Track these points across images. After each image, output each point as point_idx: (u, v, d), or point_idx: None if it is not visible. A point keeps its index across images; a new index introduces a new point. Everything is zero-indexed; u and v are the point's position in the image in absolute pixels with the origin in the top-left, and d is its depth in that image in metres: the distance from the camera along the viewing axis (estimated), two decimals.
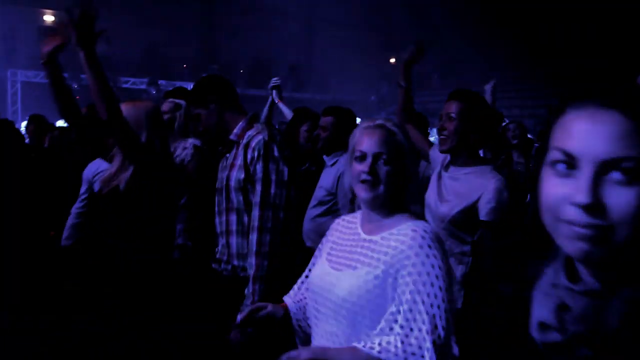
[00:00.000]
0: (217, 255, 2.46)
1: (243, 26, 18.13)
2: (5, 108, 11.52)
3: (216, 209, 2.49)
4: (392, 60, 18.33)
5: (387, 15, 19.20)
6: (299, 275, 1.77)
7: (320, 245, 1.72)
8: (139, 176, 2.39)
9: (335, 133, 3.28)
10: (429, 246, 1.39)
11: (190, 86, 4.15)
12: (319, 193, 3.29)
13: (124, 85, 15.69)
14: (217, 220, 2.48)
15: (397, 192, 1.51)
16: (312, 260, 1.74)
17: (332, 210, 3.19)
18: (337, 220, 1.72)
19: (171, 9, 17.11)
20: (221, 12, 18.22)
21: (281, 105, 4.26)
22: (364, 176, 1.48)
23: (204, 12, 18.42)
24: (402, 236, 1.43)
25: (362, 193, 1.50)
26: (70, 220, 3.62)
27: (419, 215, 1.54)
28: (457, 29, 17.12)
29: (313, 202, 3.32)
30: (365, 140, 1.51)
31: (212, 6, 18.32)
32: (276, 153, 2.33)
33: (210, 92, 2.45)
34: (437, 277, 1.35)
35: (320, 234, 3.15)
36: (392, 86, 18.28)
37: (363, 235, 1.54)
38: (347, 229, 1.63)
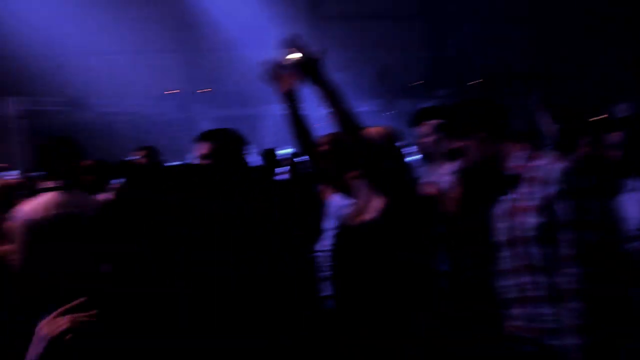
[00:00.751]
0: (515, 332, 1.96)
1: (473, 37, 17.54)
2: (260, 141, 12.85)
3: (500, 268, 2.04)
4: None
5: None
6: None
7: None
8: (391, 206, 2.16)
9: (630, 151, 2.67)
10: None
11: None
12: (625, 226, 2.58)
13: (358, 109, 16.34)
14: (504, 282, 2.01)
15: None
16: None
17: None
18: None
19: (395, 33, 17.60)
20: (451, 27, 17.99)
21: (543, 118, 3.54)
22: None
23: (427, 29, 18.38)
24: None
25: None
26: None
27: None
28: None
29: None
30: None
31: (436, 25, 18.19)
32: (585, 185, 1.86)
33: (479, 118, 2.07)
34: None
35: None
36: None
37: None
38: None
